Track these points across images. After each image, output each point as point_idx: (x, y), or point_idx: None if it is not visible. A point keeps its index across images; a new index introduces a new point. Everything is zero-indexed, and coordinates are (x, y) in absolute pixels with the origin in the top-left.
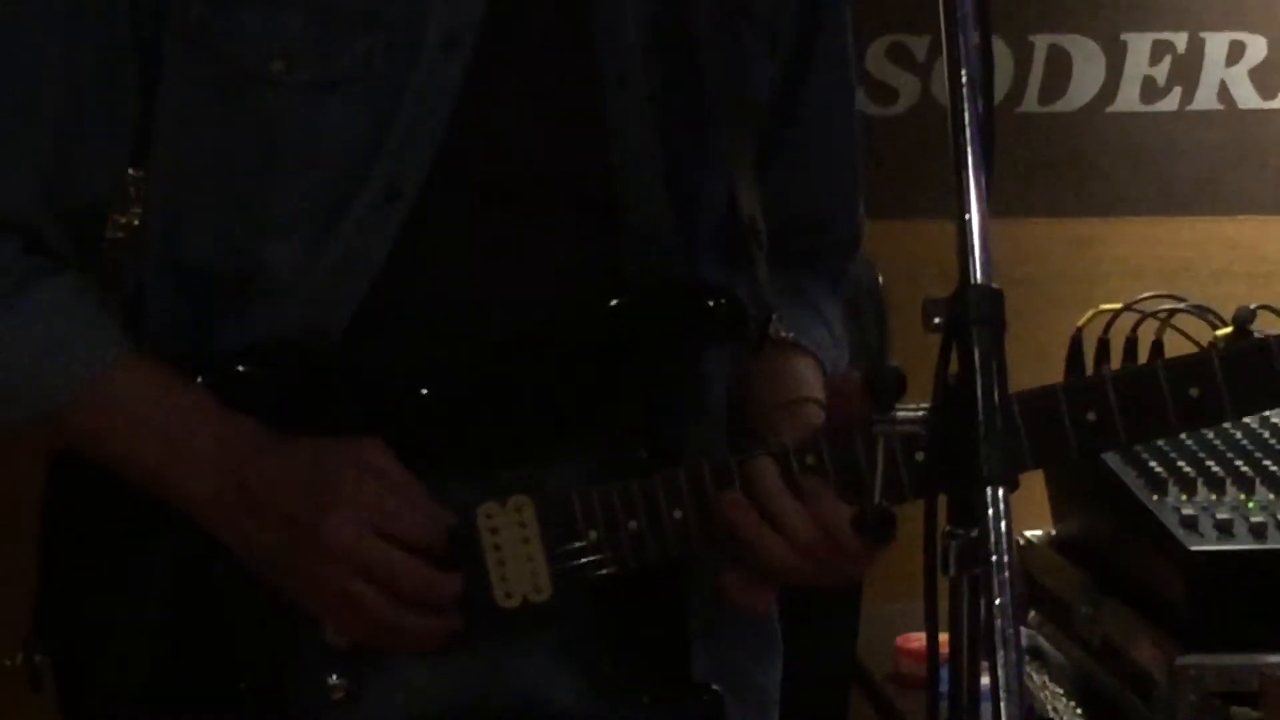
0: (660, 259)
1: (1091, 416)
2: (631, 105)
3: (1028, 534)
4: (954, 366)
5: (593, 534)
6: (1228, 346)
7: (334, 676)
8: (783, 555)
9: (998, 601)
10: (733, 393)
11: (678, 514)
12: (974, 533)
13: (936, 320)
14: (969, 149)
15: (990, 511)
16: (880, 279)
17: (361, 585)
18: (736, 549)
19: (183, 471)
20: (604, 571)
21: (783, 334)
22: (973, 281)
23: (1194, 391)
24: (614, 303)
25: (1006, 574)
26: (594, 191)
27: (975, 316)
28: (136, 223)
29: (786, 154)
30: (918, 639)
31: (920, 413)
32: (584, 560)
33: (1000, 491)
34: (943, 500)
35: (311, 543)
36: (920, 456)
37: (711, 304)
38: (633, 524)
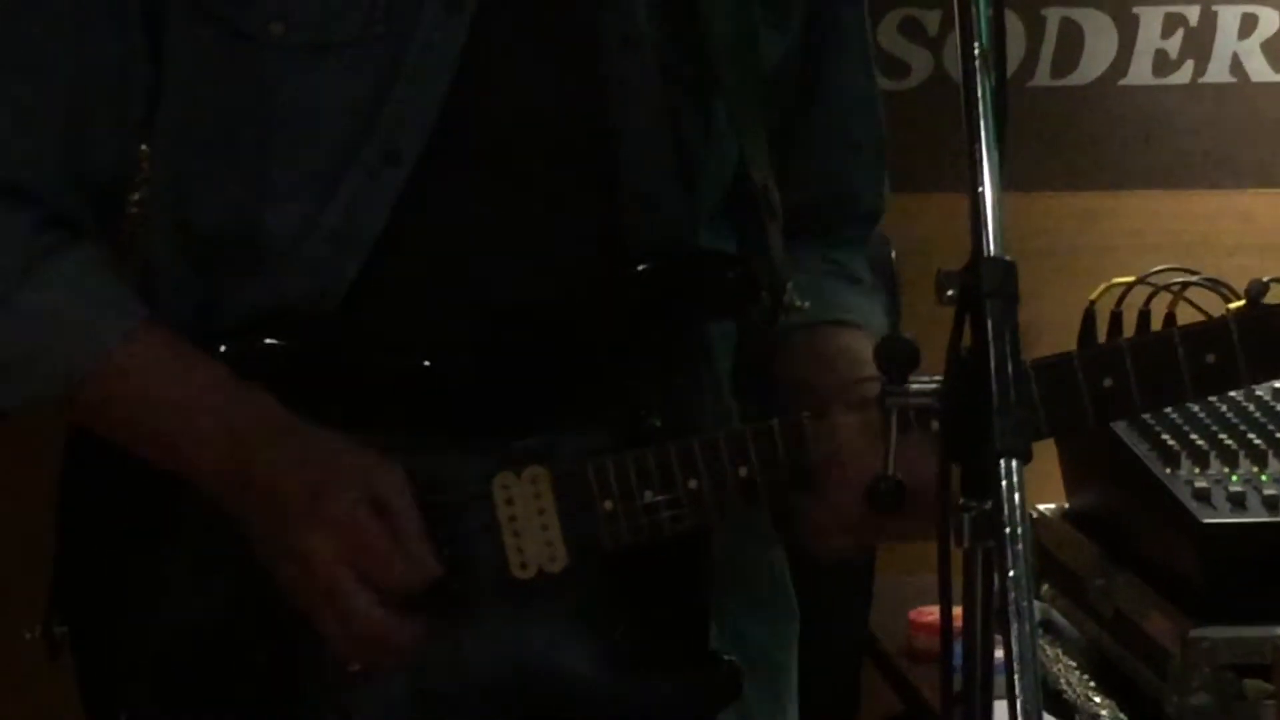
0: (662, 227)
1: (1108, 383)
2: (635, 69)
3: (1040, 507)
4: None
5: (608, 504)
6: (1244, 312)
7: None
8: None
9: (1011, 574)
10: (783, 375)
11: (693, 484)
12: (987, 505)
13: (950, 292)
14: (982, 123)
15: (1004, 484)
16: (893, 253)
17: (321, 604)
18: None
19: (193, 448)
20: (619, 541)
21: (797, 303)
22: (986, 254)
23: (1210, 358)
24: (626, 271)
25: (1020, 546)
26: (595, 156)
27: (989, 289)
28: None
29: (809, 130)
30: (931, 612)
31: (933, 385)
32: (599, 530)
33: (1014, 464)
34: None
35: (292, 548)
36: (934, 427)
37: (725, 273)
38: (648, 494)
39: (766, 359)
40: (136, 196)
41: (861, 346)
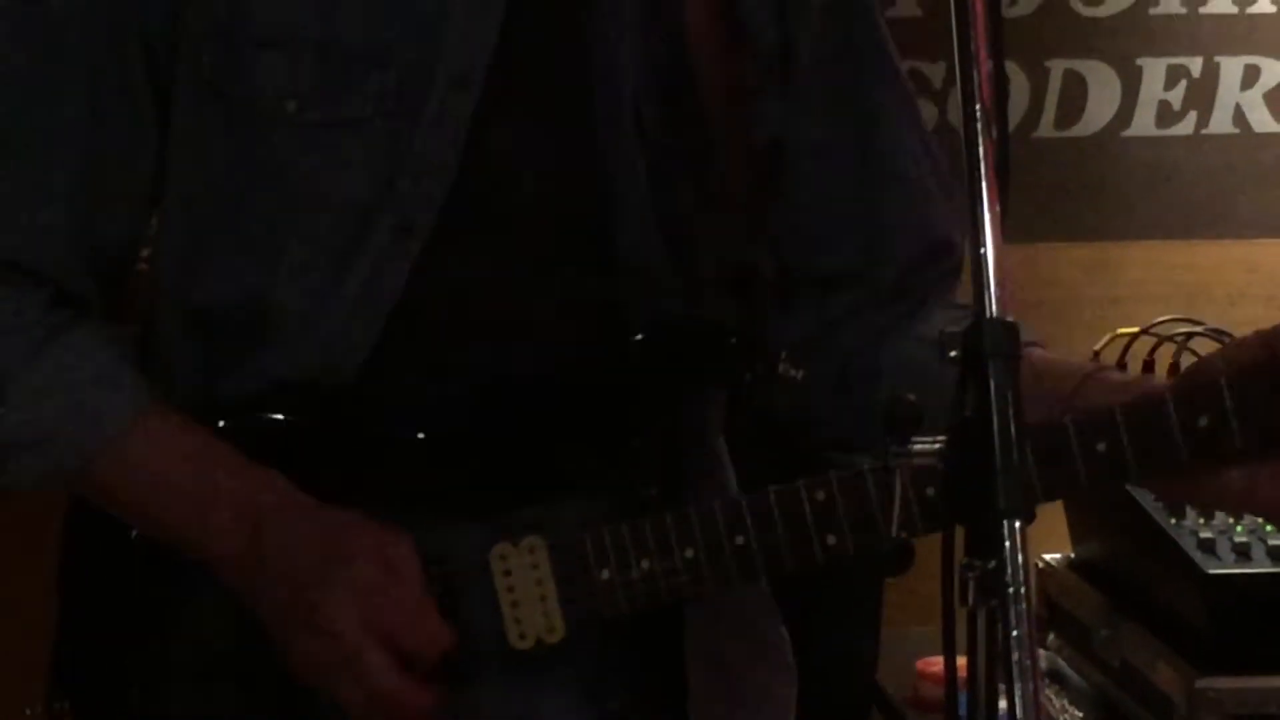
0: (658, 298)
1: (1101, 448)
2: (626, 146)
3: (1046, 557)
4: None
5: (605, 573)
6: (1234, 374)
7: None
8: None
9: (1015, 633)
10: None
11: (689, 552)
12: (991, 564)
13: (952, 353)
14: (983, 182)
15: (1007, 544)
16: None
17: (340, 673)
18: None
19: (203, 529)
20: (617, 611)
21: (791, 373)
22: (988, 314)
23: (1204, 421)
24: (620, 343)
25: (1024, 605)
26: (593, 229)
27: (991, 350)
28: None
29: (884, 191)
30: (937, 663)
31: (936, 445)
32: (597, 600)
33: (1016, 524)
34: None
35: (309, 617)
36: (931, 492)
37: (717, 344)
38: (645, 563)
39: (758, 428)
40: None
41: (1044, 363)
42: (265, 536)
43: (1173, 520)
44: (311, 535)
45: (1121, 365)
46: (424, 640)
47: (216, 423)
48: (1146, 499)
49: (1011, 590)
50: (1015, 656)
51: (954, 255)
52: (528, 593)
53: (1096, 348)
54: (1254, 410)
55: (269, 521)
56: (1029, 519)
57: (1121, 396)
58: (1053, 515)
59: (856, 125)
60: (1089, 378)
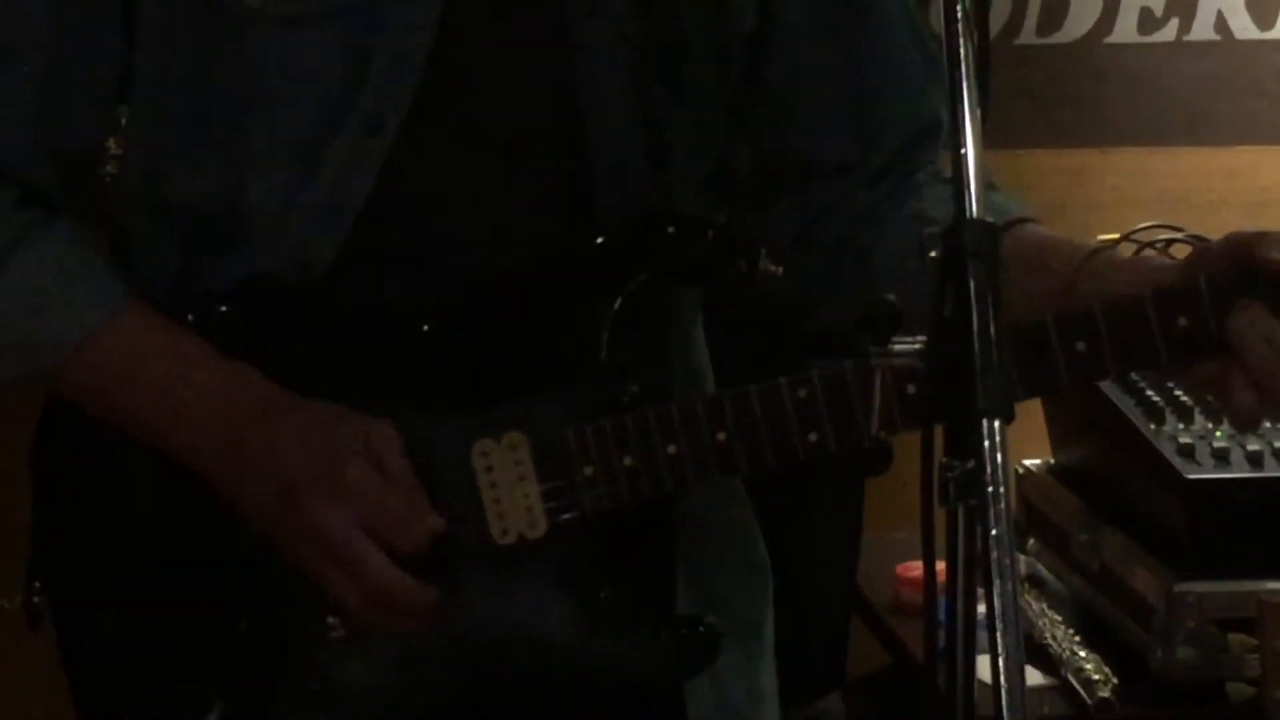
0: (633, 196)
1: (1081, 346)
2: (599, 38)
3: (1026, 462)
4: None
5: (587, 470)
6: (1214, 274)
7: (331, 616)
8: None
9: (994, 532)
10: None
11: (672, 449)
12: (970, 464)
13: (933, 253)
14: (964, 84)
15: (986, 443)
16: None
17: (336, 575)
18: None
19: (182, 426)
20: (599, 507)
21: (771, 268)
22: (969, 215)
23: (1182, 321)
24: (594, 238)
25: (1002, 505)
26: (567, 126)
27: (972, 250)
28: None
29: (873, 79)
30: (918, 568)
31: (916, 346)
32: (579, 496)
33: (996, 424)
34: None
35: (301, 520)
36: (912, 389)
37: (695, 238)
38: (627, 460)
39: (746, 322)
40: (109, 169)
41: (1043, 236)
42: (248, 433)
43: (1152, 426)
44: (297, 432)
45: None
46: (418, 536)
47: (185, 317)
48: (1127, 404)
49: (990, 490)
50: (994, 556)
51: (942, 133)
52: (510, 489)
53: None
54: (1229, 310)
55: (250, 418)
56: (1008, 419)
57: (1127, 275)
58: (1033, 420)
59: (843, 8)
60: (1095, 253)
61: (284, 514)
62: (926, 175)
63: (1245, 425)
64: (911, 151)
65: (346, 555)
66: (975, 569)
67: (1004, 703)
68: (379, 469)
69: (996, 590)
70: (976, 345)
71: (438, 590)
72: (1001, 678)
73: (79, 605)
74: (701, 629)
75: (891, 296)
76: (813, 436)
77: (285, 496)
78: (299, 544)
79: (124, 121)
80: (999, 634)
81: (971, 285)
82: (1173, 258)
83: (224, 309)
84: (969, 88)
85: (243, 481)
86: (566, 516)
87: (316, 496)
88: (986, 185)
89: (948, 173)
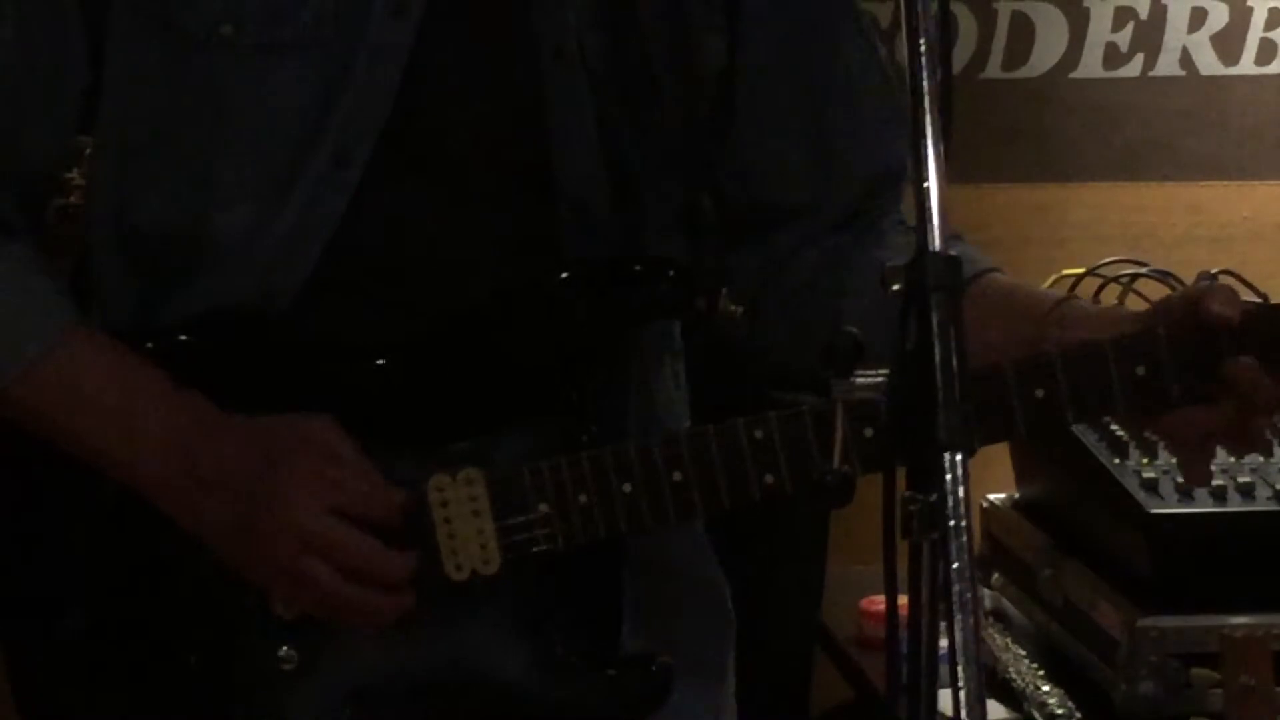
0: (599, 236)
1: (1040, 394)
2: (568, 79)
3: (991, 497)
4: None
5: (542, 507)
6: (1173, 324)
7: (284, 648)
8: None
9: (955, 565)
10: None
11: (627, 488)
12: (933, 497)
13: (895, 287)
14: (927, 118)
15: (948, 476)
16: None
17: (315, 562)
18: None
19: (133, 451)
20: (553, 545)
21: (731, 308)
22: (931, 249)
23: (1140, 370)
24: (562, 276)
25: (964, 538)
26: (535, 165)
27: (934, 283)
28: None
29: (835, 121)
30: (881, 602)
31: (879, 379)
32: (533, 534)
33: (958, 457)
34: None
35: (267, 519)
36: (870, 433)
37: (655, 279)
38: (582, 498)
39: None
40: (72, 199)
41: (1013, 284)
42: (199, 458)
43: (1116, 460)
44: (244, 445)
45: None
46: (382, 506)
47: (145, 345)
48: (1090, 439)
49: (952, 523)
50: (956, 588)
51: (905, 180)
52: (464, 524)
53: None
54: (1187, 362)
55: (199, 438)
56: (970, 452)
57: (1094, 325)
58: (997, 456)
59: (810, 51)
60: (1063, 302)
61: (246, 521)
62: (891, 224)
63: (1198, 480)
64: (874, 197)
65: (318, 536)
66: (938, 602)
67: None
68: (327, 456)
69: (958, 624)
70: (939, 378)
71: (413, 558)
72: (962, 712)
73: (29, 639)
74: (653, 668)
75: (853, 329)
76: (769, 479)
77: (245, 503)
78: (265, 545)
79: (87, 152)
80: (960, 666)
81: (934, 318)
82: (1138, 293)
83: (183, 338)
84: (932, 121)
85: (199, 504)
86: (521, 554)
87: (276, 496)
88: (952, 236)
89: (912, 221)
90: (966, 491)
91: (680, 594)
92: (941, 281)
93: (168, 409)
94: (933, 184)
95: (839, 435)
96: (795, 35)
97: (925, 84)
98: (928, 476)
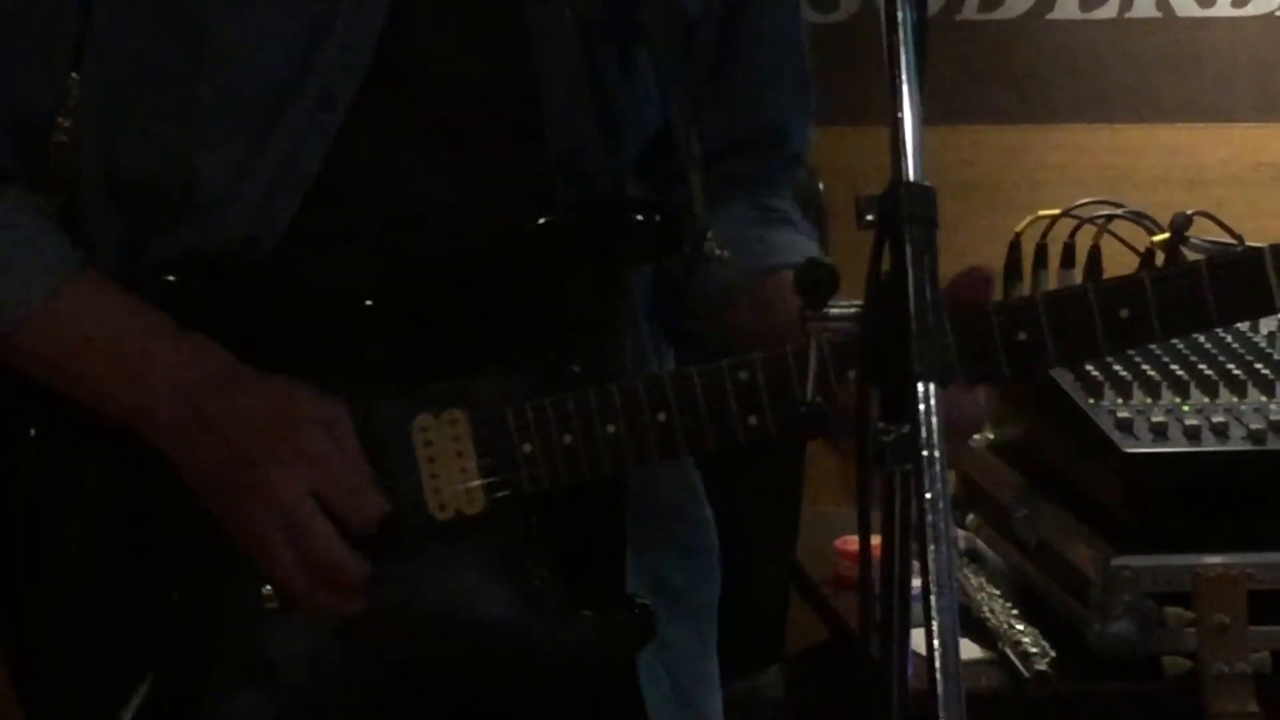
0: (586, 177)
1: (1023, 336)
2: (554, 21)
3: None
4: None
5: (526, 447)
6: (1159, 268)
7: (268, 586)
8: None
9: (928, 495)
10: (735, 331)
11: (611, 429)
12: (905, 428)
13: (869, 217)
14: (902, 51)
15: (921, 407)
16: (820, 185)
17: (280, 540)
18: None
19: (137, 393)
20: (537, 486)
21: (717, 251)
22: (905, 179)
23: (1124, 313)
24: (545, 218)
25: (938, 469)
26: (519, 109)
27: (908, 213)
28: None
29: (736, 71)
30: (856, 542)
31: (853, 310)
32: (517, 473)
33: (932, 387)
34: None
35: (253, 482)
36: (851, 374)
37: (644, 219)
38: (566, 438)
39: (687, 305)
40: (61, 137)
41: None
42: (207, 402)
43: (1091, 400)
44: (258, 401)
45: (1042, 246)
46: (364, 511)
47: (131, 286)
48: (1065, 380)
49: (926, 454)
50: (929, 519)
51: (784, 147)
52: (448, 464)
53: (1018, 229)
54: (1171, 306)
55: (207, 386)
56: (945, 382)
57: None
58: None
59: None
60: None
61: (235, 476)
62: (785, 205)
63: None
64: (744, 153)
65: (293, 517)
66: (911, 535)
67: (938, 666)
68: (332, 440)
69: (931, 553)
70: (913, 308)
71: (370, 567)
72: (935, 641)
73: (14, 581)
74: (635, 610)
75: (829, 260)
76: (753, 420)
77: (240, 459)
78: (247, 505)
79: (74, 92)
80: (933, 596)
81: (908, 248)
82: (1113, 234)
83: (170, 279)
84: (906, 55)
85: (195, 447)
86: (504, 494)
87: (271, 458)
88: (785, 223)
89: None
90: (940, 421)
91: (669, 535)
92: (916, 212)
93: (175, 352)
94: (907, 116)
95: (812, 369)
96: None
97: (900, 18)
98: (900, 407)
